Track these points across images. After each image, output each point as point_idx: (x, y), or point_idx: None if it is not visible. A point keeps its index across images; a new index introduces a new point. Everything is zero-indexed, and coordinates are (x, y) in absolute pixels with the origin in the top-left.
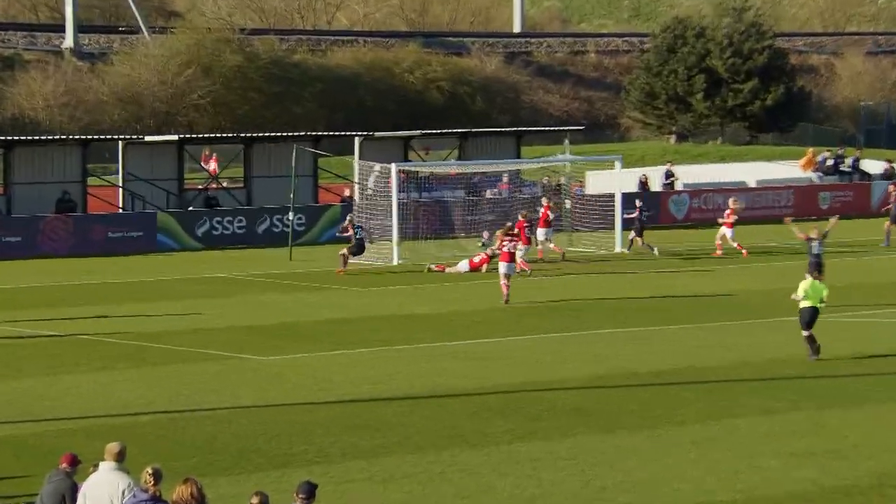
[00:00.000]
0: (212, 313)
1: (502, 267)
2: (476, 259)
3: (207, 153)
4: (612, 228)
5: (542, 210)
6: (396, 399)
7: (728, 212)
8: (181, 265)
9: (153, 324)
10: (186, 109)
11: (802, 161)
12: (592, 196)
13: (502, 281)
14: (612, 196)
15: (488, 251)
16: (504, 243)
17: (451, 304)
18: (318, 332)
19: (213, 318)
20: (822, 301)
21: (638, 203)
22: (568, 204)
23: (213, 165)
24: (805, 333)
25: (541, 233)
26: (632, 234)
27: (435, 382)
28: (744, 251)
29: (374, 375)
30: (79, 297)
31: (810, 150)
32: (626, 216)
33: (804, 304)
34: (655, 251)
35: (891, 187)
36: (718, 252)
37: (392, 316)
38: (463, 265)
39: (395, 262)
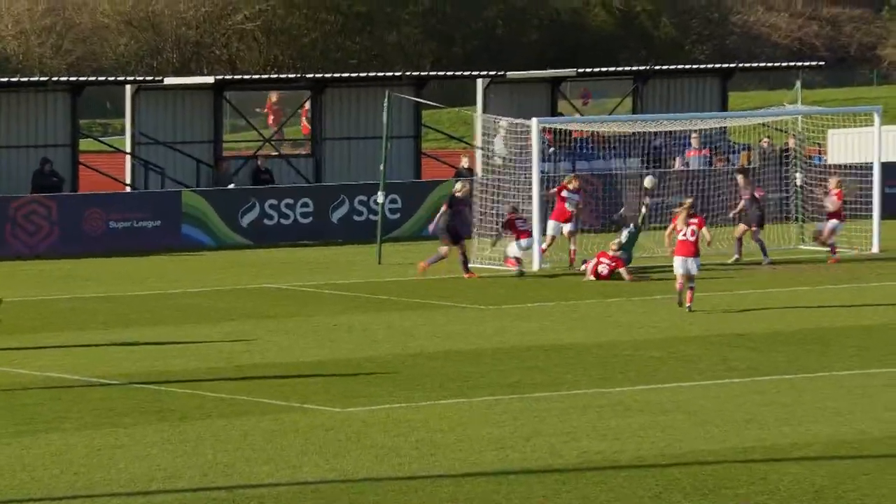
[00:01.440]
0: (263, 343)
1: (676, 263)
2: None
3: (274, 101)
4: (868, 216)
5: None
6: (537, 472)
7: (835, 193)
8: (218, 271)
9: (176, 358)
10: (227, 38)
11: None
12: (838, 167)
13: (678, 281)
14: (867, 167)
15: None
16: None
17: (617, 328)
18: (420, 370)
19: (264, 350)
20: None
21: None
22: (799, 179)
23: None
24: None
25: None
26: None
27: (593, 448)
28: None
29: (503, 436)
30: (63, 317)
31: None
32: None
33: None
34: None
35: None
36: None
37: (529, 347)
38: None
39: (535, 268)
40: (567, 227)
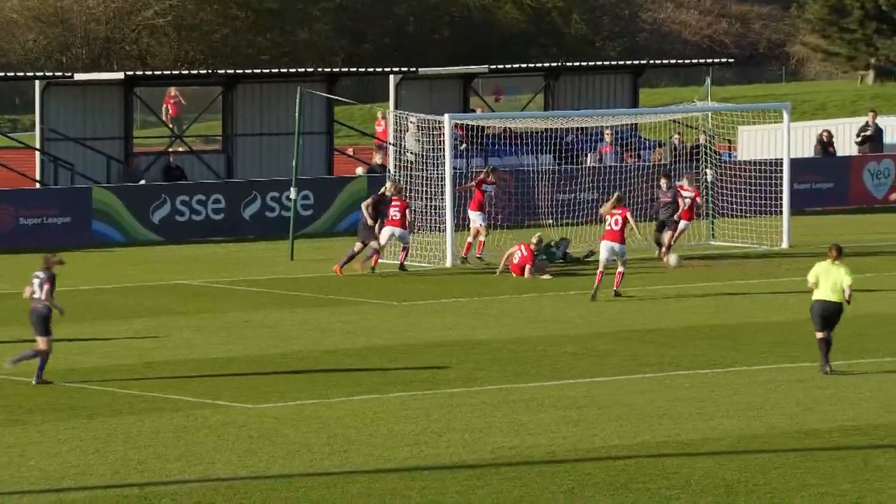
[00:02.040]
0: (174, 339)
1: (602, 248)
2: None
3: (173, 95)
4: (777, 213)
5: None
6: (450, 468)
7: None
8: (129, 267)
9: (87, 355)
10: (137, 33)
11: None
12: (748, 163)
13: (600, 269)
14: (776, 163)
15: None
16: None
17: (531, 324)
18: (334, 367)
19: (176, 347)
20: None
21: None
22: (710, 175)
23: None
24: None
25: (683, 225)
26: None
27: (506, 443)
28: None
29: (416, 432)
30: None
31: None
32: None
33: (815, 295)
34: None
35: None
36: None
37: (443, 343)
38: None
39: (448, 264)
40: (480, 219)
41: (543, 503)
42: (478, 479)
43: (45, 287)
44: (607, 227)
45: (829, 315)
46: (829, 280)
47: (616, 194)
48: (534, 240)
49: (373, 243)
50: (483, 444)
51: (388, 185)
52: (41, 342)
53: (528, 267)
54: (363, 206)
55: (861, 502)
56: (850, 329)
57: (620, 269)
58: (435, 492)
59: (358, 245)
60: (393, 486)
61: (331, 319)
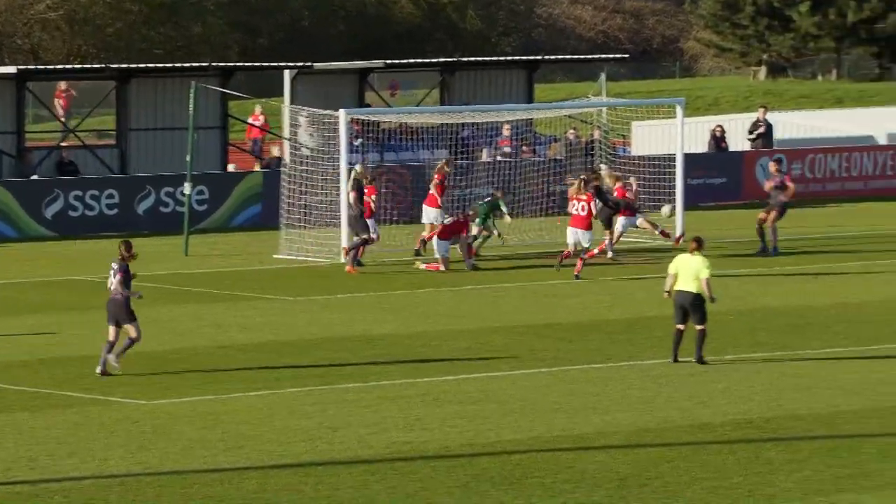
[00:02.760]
0: (67, 335)
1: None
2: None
3: (64, 89)
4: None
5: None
6: (344, 463)
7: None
8: (22, 263)
9: None
10: (29, 27)
11: None
12: (642, 158)
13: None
14: (670, 158)
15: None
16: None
17: (428, 319)
18: (229, 363)
19: (68, 343)
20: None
21: (773, 167)
22: (604, 170)
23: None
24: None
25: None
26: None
27: (401, 438)
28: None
29: (311, 427)
30: None
31: None
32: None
33: (676, 286)
34: None
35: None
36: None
37: (339, 338)
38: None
39: (343, 259)
40: (435, 214)
41: (438, 498)
42: (372, 473)
43: (117, 277)
44: (574, 213)
45: (687, 305)
46: (687, 271)
47: (582, 175)
48: (471, 212)
49: (363, 235)
50: (378, 439)
51: (358, 168)
52: (130, 329)
53: (462, 237)
54: (349, 196)
55: (752, 495)
56: (743, 324)
57: (583, 255)
58: (329, 487)
59: (355, 238)
60: (287, 482)
61: (226, 315)
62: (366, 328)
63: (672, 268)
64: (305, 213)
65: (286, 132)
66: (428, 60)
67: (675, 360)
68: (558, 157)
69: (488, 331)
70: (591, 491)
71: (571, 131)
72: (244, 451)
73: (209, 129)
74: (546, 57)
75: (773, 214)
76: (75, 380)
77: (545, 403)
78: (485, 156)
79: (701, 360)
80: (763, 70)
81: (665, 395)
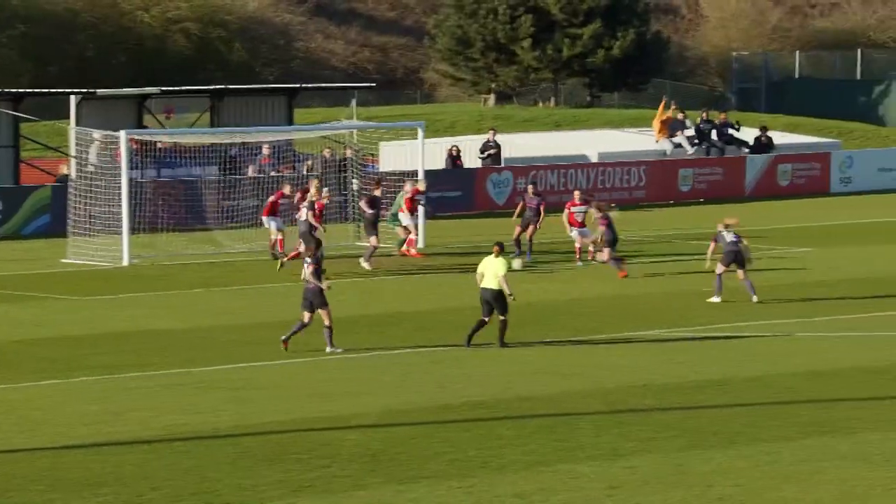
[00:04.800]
0: None
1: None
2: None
3: None
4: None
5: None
6: (127, 444)
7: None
8: None
9: None
10: None
11: (656, 119)
12: (388, 174)
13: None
14: (413, 174)
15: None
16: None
17: (202, 316)
18: (19, 355)
19: None
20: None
21: (530, 190)
22: (355, 185)
23: None
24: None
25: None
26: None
27: (178, 421)
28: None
29: (97, 413)
30: None
31: (667, 109)
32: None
33: (482, 284)
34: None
35: (529, 187)
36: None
37: (122, 333)
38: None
39: (125, 263)
40: (408, 219)
41: (210, 473)
42: (153, 452)
43: (309, 269)
44: (577, 218)
45: (489, 299)
46: (489, 270)
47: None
48: (421, 187)
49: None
50: (157, 422)
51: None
52: (324, 315)
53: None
54: (361, 203)
55: (486, 467)
56: (472, 319)
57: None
58: (114, 465)
59: (372, 239)
60: (76, 460)
61: (19, 313)
62: (147, 324)
63: (480, 268)
64: (90, 222)
65: (73, 151)
66: (199, 87)
67: (469, 345)
68: (314, 172)
69: (255, 326)
70: (345, 465)
71: (327, 150)
72: (36, 434)
73: (2, 147)
74: (304, 85)
75: (531, 228)
76: None
77: (305, 389)
78: (250, 171)
79: (503, 344)
80: (492, 97)
81: (412, 380)
